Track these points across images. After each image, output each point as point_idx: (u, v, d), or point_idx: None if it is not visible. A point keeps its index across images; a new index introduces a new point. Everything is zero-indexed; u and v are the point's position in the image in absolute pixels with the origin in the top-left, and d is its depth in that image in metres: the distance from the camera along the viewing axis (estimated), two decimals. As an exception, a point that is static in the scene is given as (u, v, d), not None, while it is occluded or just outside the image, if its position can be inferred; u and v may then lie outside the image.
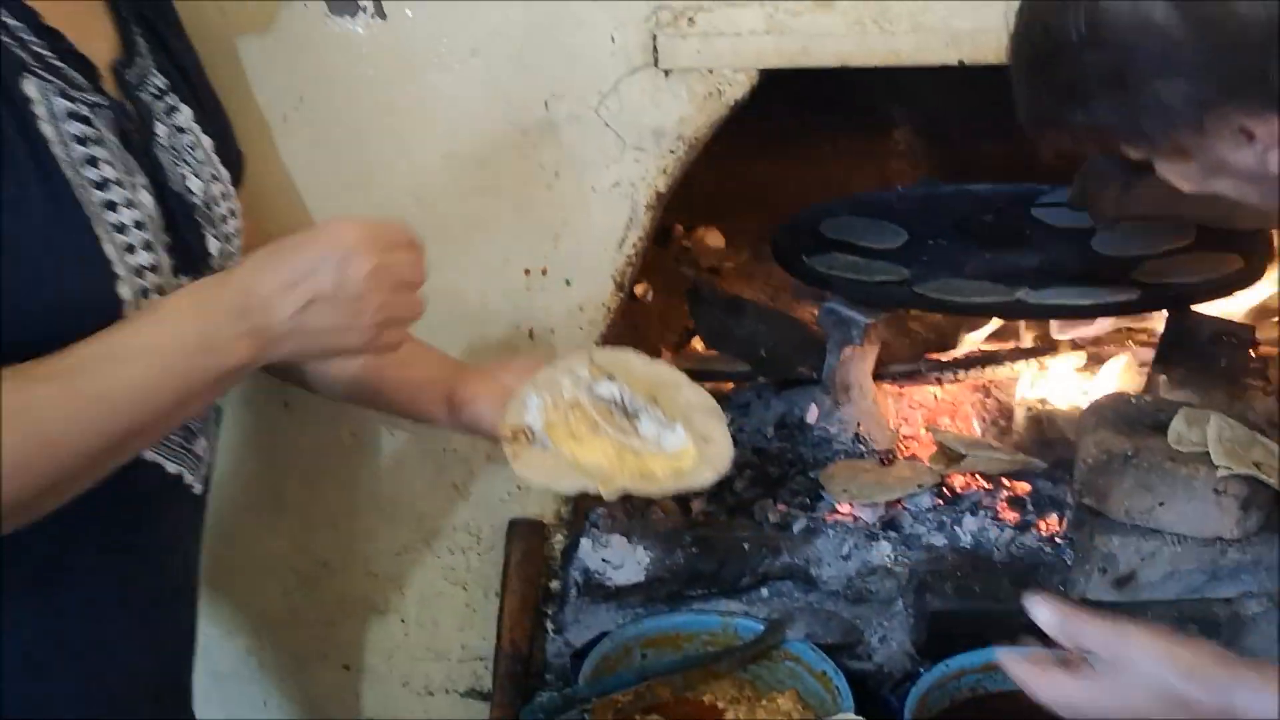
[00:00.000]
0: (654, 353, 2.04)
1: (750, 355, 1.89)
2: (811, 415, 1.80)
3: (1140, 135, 1.04)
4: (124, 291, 0.94)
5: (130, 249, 0.95)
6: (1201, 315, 1.63)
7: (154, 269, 0.97)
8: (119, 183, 0.96)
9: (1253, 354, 1.69)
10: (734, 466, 1.70)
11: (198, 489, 1.10)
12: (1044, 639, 1.40)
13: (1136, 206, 1.62)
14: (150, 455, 1.02)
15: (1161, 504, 1.38)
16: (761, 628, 1.48)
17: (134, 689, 1.08)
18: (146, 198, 0.98)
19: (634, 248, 1.41)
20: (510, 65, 1.34)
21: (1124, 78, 1.00)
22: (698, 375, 1.94)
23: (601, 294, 1.42)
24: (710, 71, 1.33)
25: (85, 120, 0.95)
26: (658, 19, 1.31)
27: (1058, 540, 1.53)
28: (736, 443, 1.75)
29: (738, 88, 1.34)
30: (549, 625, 1.55)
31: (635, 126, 1.36)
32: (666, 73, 1.33)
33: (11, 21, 0.93)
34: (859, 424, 1.79)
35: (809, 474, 1.68)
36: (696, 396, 1.21)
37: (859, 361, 1.77)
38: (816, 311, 1.83)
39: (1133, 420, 1.45)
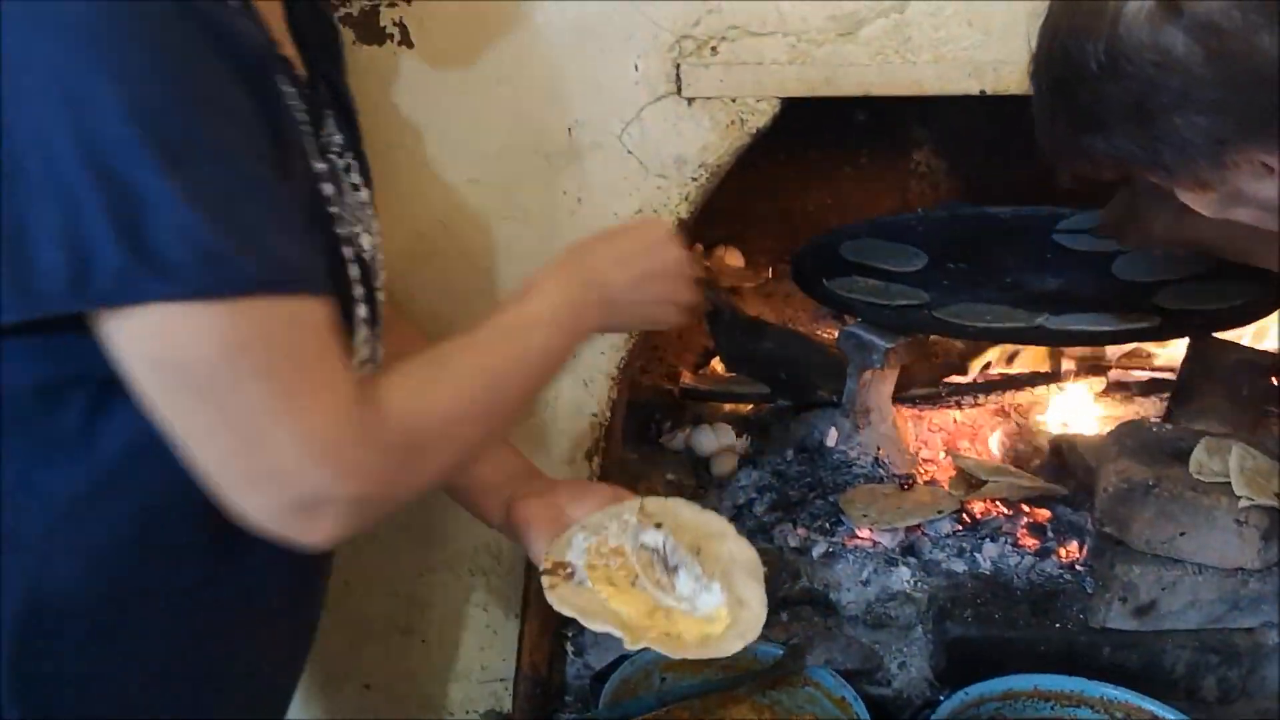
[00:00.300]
0: (674, 373, 2.07)
1: (770, 377, 1.90)
2: (831, 438, 1.81)
3: (1159, 166, 1.05)
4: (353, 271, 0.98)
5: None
6: (1223, 342, 1.63)
7: (367, 321, 1.00)
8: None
9: (1276, 382, 1.69)
10: (754, 490, 1.75)
11: None
12: (1063, 668, 1.41)
13: (1172, 236, 1.61)
14: None
15: (1183, 534, 1.38)
16: (781, 652, 1.49)
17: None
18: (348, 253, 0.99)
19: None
20: (535, 93, 1.35)
21: (1144, 109, 1.00)
22: (717, 397, 2.01)
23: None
24: (733, 100, 1.34)
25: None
26: (681, 48, 1.32)
27: (1078, 568, 1.53)
28: (756, 465, 1.81)
29: (760, 116, 1.35)
30: (569, 648, 1.56)
31: (658, 154, 1.37)
32: (689, 101, 1.34)
33: (287, 88, 0.91)
34: (879, 448, 1.79)
35: (828, 498, 1.68)
36: (740, 551, 1.22)
37: (879, 385, 1.78)
38: (835, 333, 1.83)
39: (1154, 449, 1.45)
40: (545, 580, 1.13)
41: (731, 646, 1.14)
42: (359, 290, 0.99)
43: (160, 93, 0.77)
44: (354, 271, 0.98)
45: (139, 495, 0.90)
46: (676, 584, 1.16)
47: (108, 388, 0.84)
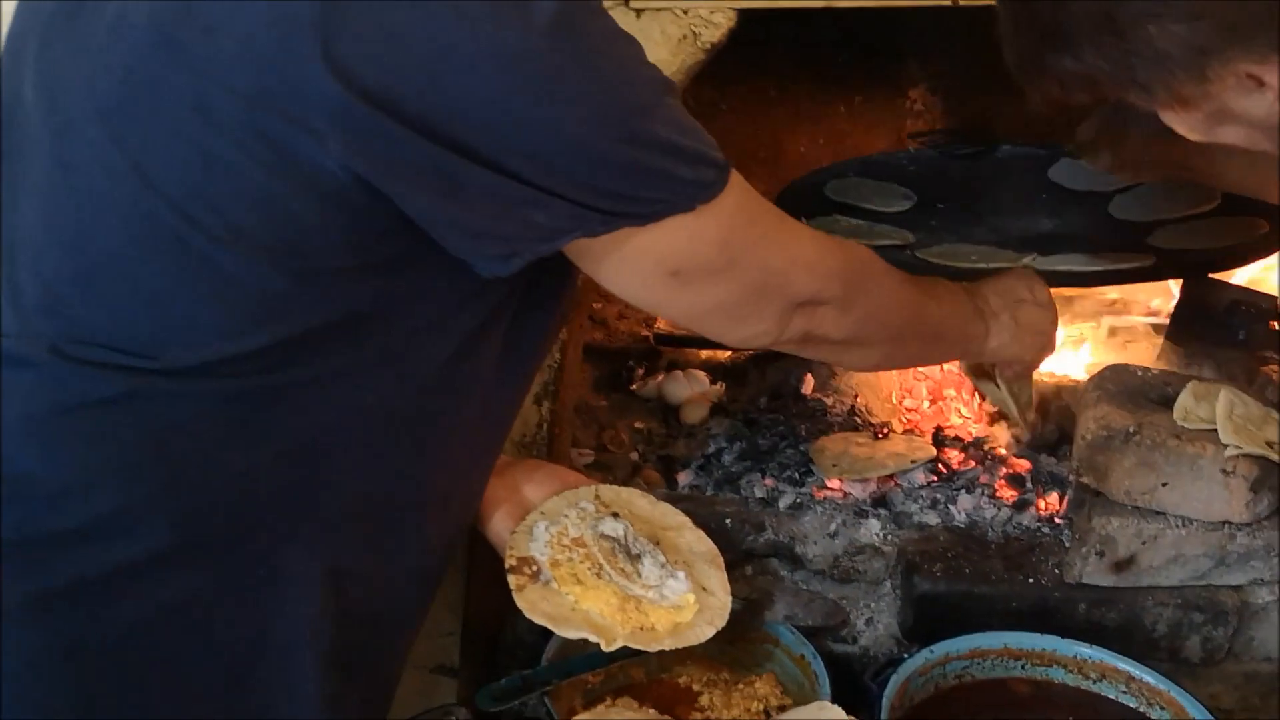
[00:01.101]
0: (651, 319, 1.99)
1: (744, 321, 1.82)
2: (807, 385, 1.73)
3: (1135, 84, 0.95)
4: None
5: None
6: (1219, 283, 1.53)
7: None
8: None
9: (1275, 325, 1.59)
10: (724, 438, 1.67)
11: None
12: (1037, 626, 1.33)
13: (1153, 160, 1.51)
14: None
15: (1165, 484, 1.28)
16: (740, 608, 1.41)
17: None
18: None
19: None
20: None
21: (1113, 20, 0.91)
22: (692, 343, 1.93)
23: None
24: (684, 12, 1.25)
25: None
26: (628, -44, 1.23)
27: (1057, 521, 1.44)
28: (728, 414, 1.73)
29: (715, 30, 1.26)
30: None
31: (605, 73, 1.28)
32: (638, 13, 1.26)
33: None
34: (856, 395, 1.71)
35: (800, 447, 1.60)
36: (698, 542, 1.26)
37: (858, 330, 1.69)
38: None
39: (1137, 394, 1.35)
40: (512, 580, 1.15)
41: (703, 634, 1.17)
42: None
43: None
44: None
45: None
46: (642, 571, 1.18)
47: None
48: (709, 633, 1.18)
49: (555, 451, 1.53)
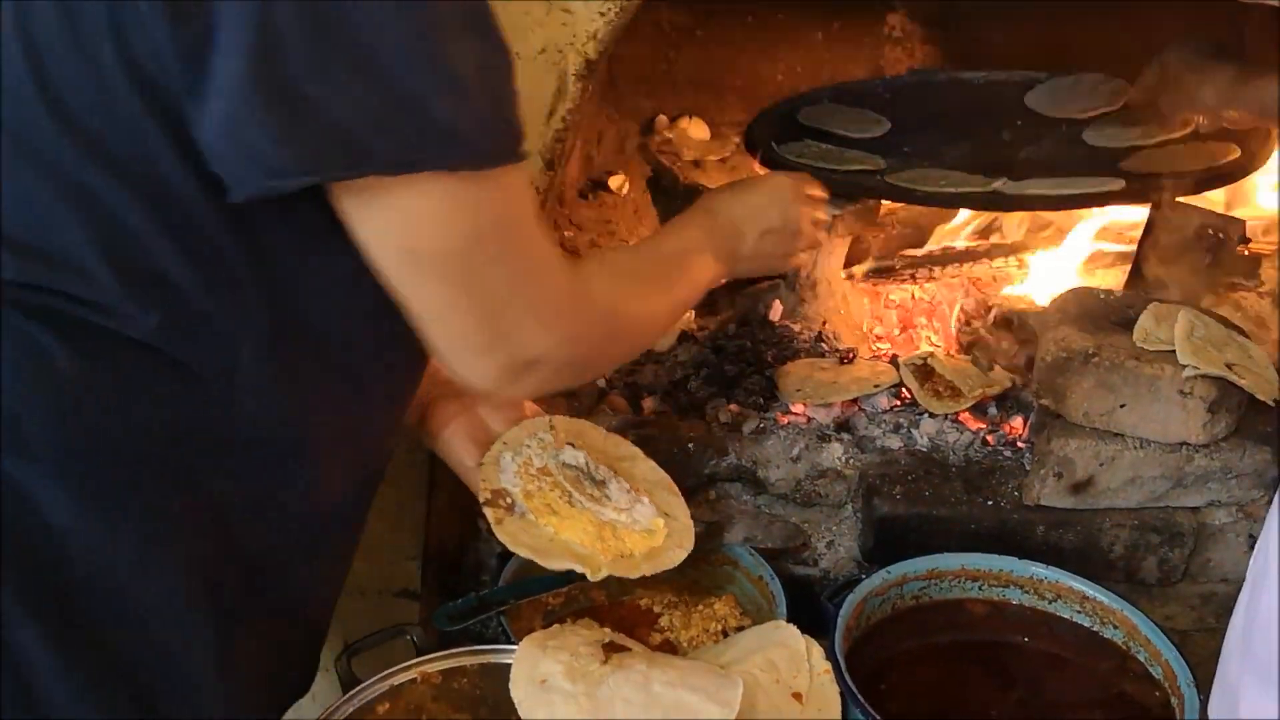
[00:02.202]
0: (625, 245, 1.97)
1: (713, 248, 1.80)
2: (775, 312, 1.72)
3: None
4: None
5: None
6: (1187, 206, 1.51)
7: None
8: None
9: (1244, 251, 1.58)
10: (691, 365, 1.66)
11: None
12: (996, 548, 1.33)
13: (1225, 101, 1.48)
14: None
15: (1123, 405, 1.28)
16: (701, 530, 1.41)
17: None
18: None
19: (563, 121, 1.31)
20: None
21: None
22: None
23: (529, 172, 1.32)
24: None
25: None
26: None
27: (1019, 445, 1.44)
28: (696, 341, 1.72)
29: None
30: (482, 525, 1.48)
31: (562, -16, 1.25)
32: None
33: None
34: (824, 322, 1.70)
35: (766, 373, 1.59)
36: (652, 472, 1.28)
37: (826, 256, 1.68)
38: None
39: (1098, 317, 1.35)
40: (490, 514, 1.15)
41: (676, 558, 1.19)
42: None
43: None
44: None
45: None
46: (610, 496, 1.19)
47: None
48: (680, 556, 1.19)
49: (519, 377, 1.52)
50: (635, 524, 1.19)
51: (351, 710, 1.11)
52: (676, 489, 1.27)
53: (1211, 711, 1.03)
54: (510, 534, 1.14)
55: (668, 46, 2.14)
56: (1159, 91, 1.58)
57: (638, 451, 1.29)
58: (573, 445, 1.23)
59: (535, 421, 1.24)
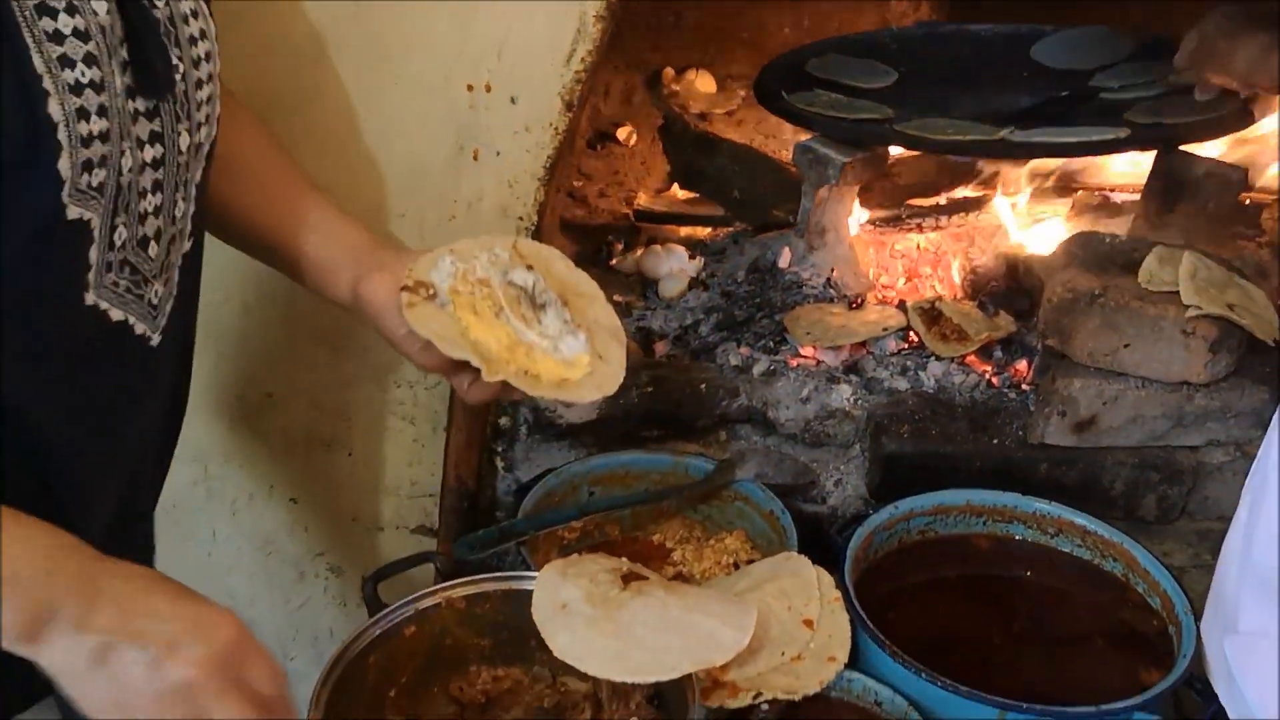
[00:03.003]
0: (631, 198, 2.00)
1: (723, 195, 1.83)
2: (784, 259, 1.74)
3: None
4: (54, 110, 0.85)
5: (68, 62, 0.85)
6: (1191, 155, 1.54)
7: (97, 86, 0.87)
8: None
9: (1245, 199, 1.60)
10: (702, 311, 1.69)
11: (153, 340, 1.00)
12: (1000, 485, 1.37)
13: (1257, 71, 1.50)
14: (91, 299, 0.93)
15: (1127, 345, 1.32)
16: (711, 468, 1.45)
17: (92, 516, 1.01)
18: (100, 4, 0.88)
19: (583, 63, 1.33)
20: None
21: None
22: (672, 219, 1.94)
23: (549, 113, 1.35)
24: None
25: None
26: None
27: (1023, 387, 1.48)
28: (706, 288, 1.75)
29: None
30: (499, 462, 1.53)
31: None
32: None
33: None
34: (833, 269, 1.72)
35: (775, 318, 1.63)
36: (606, 316, 1.17)
37: (835, 204, 1.70)
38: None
39: (1104, 260, 1.38)
40: (404, 297, 1.07)
41: (588, 395, 1.09)
42: (115, 51, 0.89)
43: None
44: (87, 23, 0.87)
45: None
46: (543, 321, 1.11)
47: None
48: (594, 395, 1.10)
49: (534, 319, 1.54)
50: (556, 353, 1.11)
51: (379, 632, 1.15)
52: (623, 338, 1.17)
53: (1204, 630, 1.07)
54: (419, 317, 1.06)
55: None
56: (1198, 57, 1.59)
57: (600, 293, 1.19)
58: (530, 269, 1.14)
59: (497, 238, 1.16)
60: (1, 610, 0.77)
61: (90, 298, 0.93)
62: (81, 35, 0.86)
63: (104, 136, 0.88)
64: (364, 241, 1.17)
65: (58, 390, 0.95)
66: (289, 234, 1.16)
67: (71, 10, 0.86)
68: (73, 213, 0.87)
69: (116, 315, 0.95)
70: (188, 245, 1.03)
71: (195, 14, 0.99)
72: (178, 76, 0.96)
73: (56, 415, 0.95)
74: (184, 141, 0.97)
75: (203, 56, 1.00)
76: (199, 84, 0.99)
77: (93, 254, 0.91)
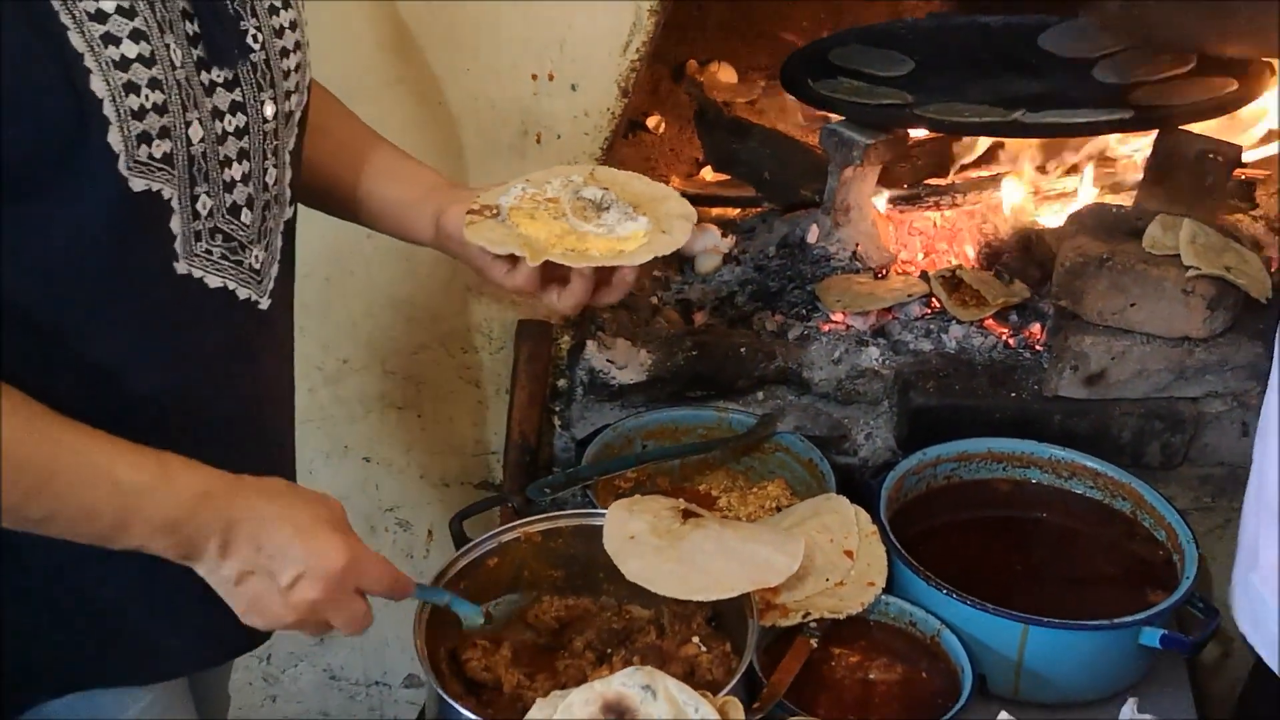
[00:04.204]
0: (665, 179, 2.12)
1: (754, 177, 1.96)
2: (812, 235, 1.87)
3: None
4: (97, 86, 0.86)
5: (112, 39, 0.87)
6: (1188, 134, 1.67)
7: (148, 60, 0.89)
8: None
9: (1240, 175, 1.73)
10: (736, 284, 1.82)
11: (262, 303, 1.05)
12: (1017, 434, 1.49)
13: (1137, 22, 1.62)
14: (184, 268, 0.97)
15: (1133, 304, 1.45)
16: (754, 421, 1.58)
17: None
18: None
19: (638, 53, 1.46)
20: None
21: None
22: (705, 200, 2.06)
23: (606, 99, 1.48)
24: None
25: None
26: None
27: (1038, 347, 1.61)
28: (739, 263, 1.88)
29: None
30: (556, 421, 1.66)
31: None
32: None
33: None
34: (857, 244, 1.85)
35: (806, 288, 1.76)
36: (679, 206, 1.20)
37: (859, 183, 1.83)
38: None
39: (1111, 227, 1.51)
40: (468, 218, 1.12)
41: (640, 257, 1.11)
42: (177, 24, 0.91)
43: None
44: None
45: None
46: (603, 218, 1.13)
47: None
48: (646, 256, 1.11)
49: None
50: (610, 233, 1.13)
51: (465, 563, 1.27)
52: (694, 218, 1.17)
53: (1235, 574, 1.18)
54: (476, 230, 1.11)
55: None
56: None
57: (674, 193, 1.20)
58: (604, 189, 1.17)
59: (574, 167, 1.20)
60: (161, 545, 0.93)
61: (182, 267, 0.96)
62: (126, 13, 0.87)
63: (160, 109, 0.89)
64: (441, 182, 1.22)
65: (163, 353, 1.00)
66: (369, 182, 1.20)
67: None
68: (137, 185, 0.90)
69: (214, 282, 0.99)
70: (289, 212, 1.07)
71: None
72: (256, 45, 0.98)
73: (169, 375, 1.01)
74: (269, 110, 1.00)
75: (286, 25, 1.02)
76: (284, 53, 1.02)
77: (175, 224, 0.94)
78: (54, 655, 1.05)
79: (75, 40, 0.85)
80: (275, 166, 1.03)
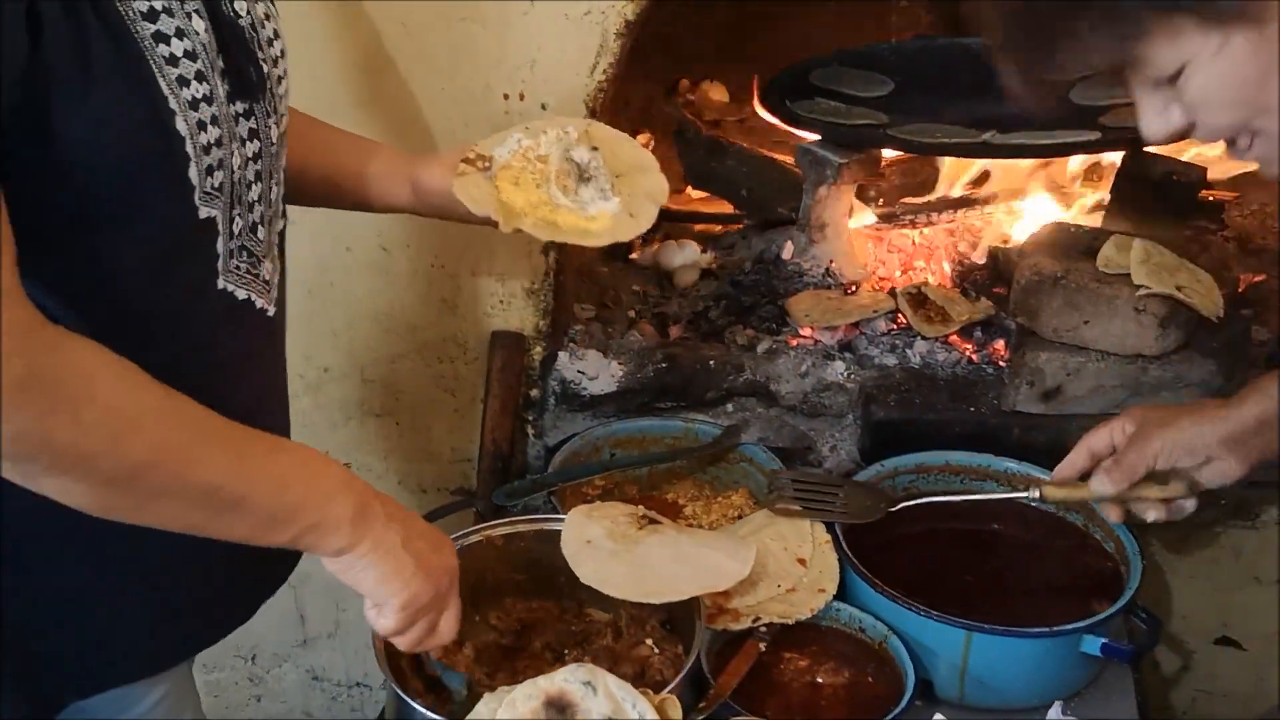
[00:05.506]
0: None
1: (732, 194, 2.00)
2: (787, 252, 1.92)
3: None
4: (180, 126, 0.93)
5: (184, 81, 0.94)
6: (1154, 155, 1.71)
7: (209, 99, 0.96)
8: (168, 11, 0.93)
9: (1207, 196, 1.76)
10: (711, 298, 1.86)
11: (270, 311, 1.12)
12: (976, 448, 1.53)
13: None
14: (221, 284, 1.05)
15: (1087, 322, 1.48)
16: (719, 432, 1.62)
17: None
18: (199, 23, 0.96)
19: (605, 74, 1.50)
20: (490, -101, 1.42)
21: None
22: (686, 217, 2.11)
23: (574, 117, 1.52)
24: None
25: None
26: None
27: (1000, 363, 1.64)
28: (716, 278, 1.92)
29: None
30: (529, 430, 1.70)
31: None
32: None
33: None
34: (831, 260, 1.89)
35: (778, 303, 1.80)
36: (656, 185, 1.26)
37: (834, 201, 1.87)
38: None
39: (1068, 247, 1.54)
40: (460, 166, 1.18)
41: (602, 239, 1.19)
42: (214, 63, 0.97)
43: None
44: (194, 44, 0.95)
45: None
46: (579, 192, 1.20)
47: None
48: (606, 240, 1.19)
49: (559, 304, 1.71)
50: (582, 210, 1.19)
51: (429, 565, 1.31)
52: (663, 201, 1.24)
53: None
54: (463, 185, 1.17)
55: (692, 16, 2.32)
56: None
57: (656, 165, 1.27)
58: (595, 150, 1.21)
59: (573, 120, 1.26)
60: (337, 503, 1.02)
61: (220, 283, 1.04)
62: (191, 56, 0.95)
63: (219, 143, 0.98)
64: (410, 154, 1.31)
65: (196, 362, 1.05)
66: (351, 164, 1.29)
67: (180, 35, 0.94)
68: (204, 213, 0.99)
69: (241, 294, 1.07)
70: (282, 223, 1.15)
71: (269, 16, 1.09)
72: (267, 76, 1.05)
73: (194, 381, 1.02)
74: (274, 134, 1.07)
75: (279, 54, 1.10)
76: (279, 80, 1.09)
77: (219, 245, 1.02)
78: (74, 656, 1.09)
79: (161, 84, 0.93)
80: (277, 184, 1.11)
